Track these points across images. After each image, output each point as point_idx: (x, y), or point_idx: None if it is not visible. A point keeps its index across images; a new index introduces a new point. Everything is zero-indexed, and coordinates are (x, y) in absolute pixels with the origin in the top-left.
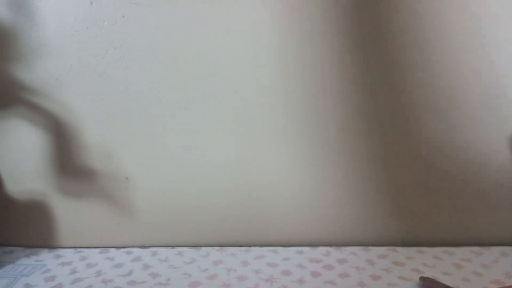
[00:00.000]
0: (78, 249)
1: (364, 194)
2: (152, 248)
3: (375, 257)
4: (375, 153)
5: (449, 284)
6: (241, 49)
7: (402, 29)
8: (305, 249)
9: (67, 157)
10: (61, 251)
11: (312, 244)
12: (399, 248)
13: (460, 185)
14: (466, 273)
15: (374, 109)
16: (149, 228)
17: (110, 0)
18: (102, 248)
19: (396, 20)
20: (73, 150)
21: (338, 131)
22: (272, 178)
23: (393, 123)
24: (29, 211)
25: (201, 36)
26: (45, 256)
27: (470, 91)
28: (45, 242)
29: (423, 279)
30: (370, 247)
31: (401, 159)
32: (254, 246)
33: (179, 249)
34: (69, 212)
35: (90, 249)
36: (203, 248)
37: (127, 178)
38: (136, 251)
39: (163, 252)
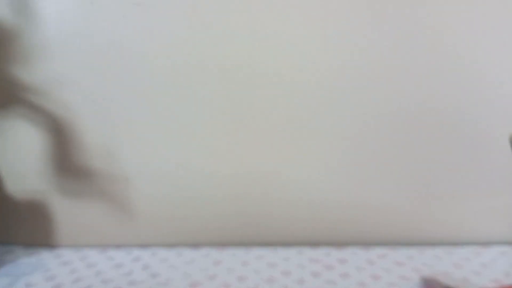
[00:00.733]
0: (78, 249)
1: (365, 194)
2: (152, 248)
3: (375, 257)
4: (375, 154)
5: (449, 283)
6: (241, 49)
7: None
8: (305, 249)
9: (67, 157)
10: (61, 251)
11: (312, 244)
12: (399, 248)
13: (460, 184)
14: (466, 273)
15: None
16: (149, 228)
17: (110, 0)
18: (102, 248)
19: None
20: (73, 150)
21: (336, 132)
22: (272, 178)
23: (393, 125)
24: (30, 210)
25: (201, 36)
26: (46, 256)
27: (470, 91)
28: (45, 242)
29: (423, 279)
30: (370, 247)
31: (401, 159)
32: (254, 246)
33: (179, 249)
34: (69, 212)
35: (90, 249)
36: (203, 248)
37: (127, 178)
38: (136, 251)
39: (163, 252)
